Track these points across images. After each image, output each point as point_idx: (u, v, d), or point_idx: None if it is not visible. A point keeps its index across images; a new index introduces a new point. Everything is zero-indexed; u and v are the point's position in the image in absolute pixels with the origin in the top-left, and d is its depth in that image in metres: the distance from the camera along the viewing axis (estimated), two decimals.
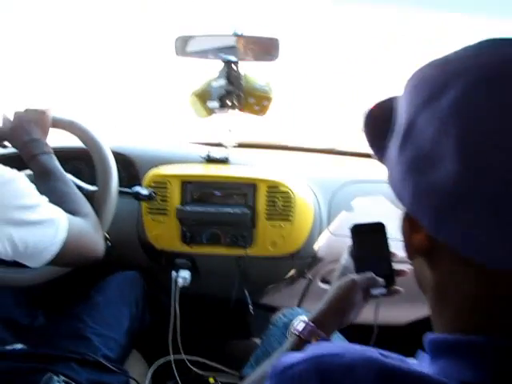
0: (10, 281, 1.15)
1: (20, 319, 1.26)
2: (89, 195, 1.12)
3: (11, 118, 1.10)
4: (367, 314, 0.88)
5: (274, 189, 1.37)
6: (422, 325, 1.36)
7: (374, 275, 0.87)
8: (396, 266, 0.90)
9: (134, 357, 1.36)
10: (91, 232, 0.92)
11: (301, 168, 1.55)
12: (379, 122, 0.51)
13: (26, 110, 1.08)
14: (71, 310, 1.26)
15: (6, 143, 1.19)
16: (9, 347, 1.14)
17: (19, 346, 1.16)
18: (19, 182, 0.75)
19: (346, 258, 0.93)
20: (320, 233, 1.42)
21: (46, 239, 0.79)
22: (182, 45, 1.42)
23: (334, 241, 1.40)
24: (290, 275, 1.46)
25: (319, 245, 1.42)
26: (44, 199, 0.81)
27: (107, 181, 1.13)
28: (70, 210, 0.89)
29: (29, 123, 1.04)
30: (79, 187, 1.17)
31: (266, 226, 1.38)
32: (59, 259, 0.82)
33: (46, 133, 1.07)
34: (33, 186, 0.79)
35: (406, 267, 0.87)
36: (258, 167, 1.46)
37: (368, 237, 0.91)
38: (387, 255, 0.91)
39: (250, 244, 1.39)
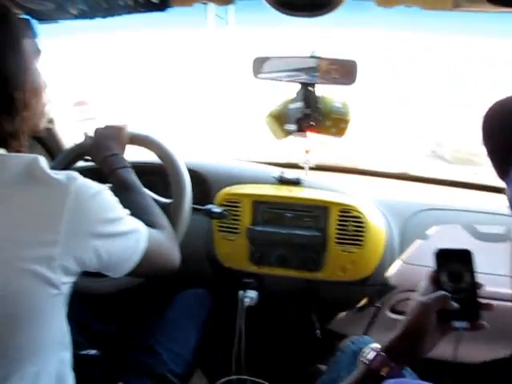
0: (88, 289, 1.19)
1: (95, 326, 1.30)
2: (163, 208, 1.15)
3: (92, 135, 1.14)
4: (442, 349, 0.83)
5: (345, 213, 1.37)
6: (498, 365, 1.31)
7: (446, 294, 0.80)
8: (482, 300, 0.86)
9: (197, 374, 1.37)
10: (168, 244, 0.93)
11: (374, 193, 1.53)
12: (505, 132, 0.47)
13: (106, 127, 1.13)
14: (143, 323, 1.29)
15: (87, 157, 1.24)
16: (83, 352, 1.17)
17: (93, 351, 1.19)
18: (105, 195, 0.78)
19: (424, 286, 0.88)
20: (392, 260, 1.40)
21: (129, 250, 0.82)
22: (260, 66, 1.44)
23: (406, 270, 1.38)
24: (359, 302, 1.44)
25: (390, 273, 1.40)
26: (126, 211, 0.84)
27: (182, 194, 1.15)
28: (148, 222, 0.91)
29: (108, 139, 1.09)
30: (155, 200, 1.20)
31: (336, 250, 1.37)
32: (138, 269, 0.85)
33: (123, 148, 1.12)
34: (116, 199, 0.82)
35: (493, 302, 0.83)
36: (331, 190, 1.46)
37: (453, 264, 0.86)
38: (473, 286, 0.84)
39: (320, 268, 1.39)
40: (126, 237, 0.79)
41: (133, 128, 1.21)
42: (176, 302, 1.35)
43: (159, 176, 1.38)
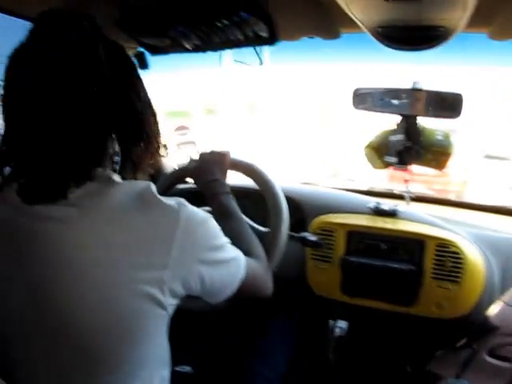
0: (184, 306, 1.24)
1: (191, 344, 1.36)
2: (259, 236, 1.18)
3: (197, 158, 1.17)
4: None
5: (443, 248, 1.34)
6: None
7: None
8: None
9: None
10: (262, 273, 0.95)
11: (473, 228, 1.49)
12: None
13: (211, 152, 1.17)
14: (235, 345, 1.33)
15: (188, 179, 1.30)
16: (178, 368, 1.23)
17: (187, 368, 1.25)
18: (211, 222, 0.80)
19: None
20: (491, 300, 1.34)
21: (229, 278, 0.81)
22: (360, 97, 1.46)
23: (509, 312, 1.33)
24: (454, 342, 1.40)
25: (490, 313, 1.35)
26: (227, 239, 0.86)
27: (279, 224, 1.16)
28: (245, 250, 0.94)
29: (212, 164, 1.12)
30: (251, 227, 1.24)
31: (432, 285, 1.35)
32: (233, 297, 0.87)
33: (225, 174, 1.14)
34: (218, 227, 0.84)
35: None
36: (428, 223, 1.44)
37: None
38: None
39: (414, 302, 1.37)
40: (227, 264, 0.82)
41: (235, 155, 1.26)
42: (269, 329, 1.39)
43: (255, 201, 1.43)
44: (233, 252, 0.85)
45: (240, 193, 1.42)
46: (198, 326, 1.42)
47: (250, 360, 1.30)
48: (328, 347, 1.34)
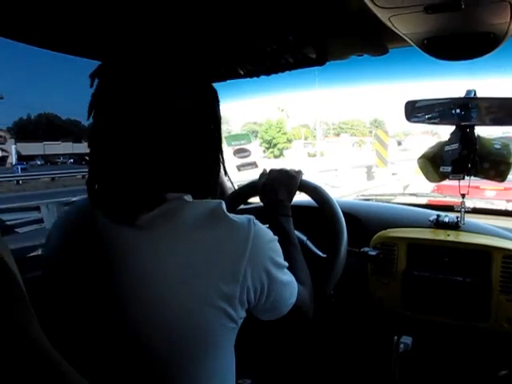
0: None
1: (253, 357, 1.39)
2: (317, 260, 1.21)
3: (266, 174, 1.19)
4: None
5: (510, 259, 1.31)
6: None
7: None
8: None
9: None
10: (307, 302, 0.94)
11: None
12: None
13: (280, 170, 1.18)
14: (297, 362, 1.35)
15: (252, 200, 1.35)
16: (240, 381, 1.26)
17: (248, 381, 1.28)
18: (278, 243, 0.80)
19: None
20: None
21: (282, 301, 0.82)
22: (412, 110, 1.47)
23: None
24: None
25: None
26: (287, 264, 0.84)
27: (338, 249, 1.17)
28: (297, 276, 0.89)
29: (279, 183, 1.13)
30: (312, 251, 1.27)
31: (500, 299, 1.31)
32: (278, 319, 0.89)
33: (291, 195, 1.14)
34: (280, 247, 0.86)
35: None
36: (492, 235, 1.41)
37: None
38: None
39: (481, 317, 1.34)
40: (284, 287, 0.84)
41: (304, 176, 1.27)
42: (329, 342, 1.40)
43: (314, 218, 1.46)
44: (290, 276, 0.87)
45: (303, 210, 1.47)
46: (260, 338, 1.46)
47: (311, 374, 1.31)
48: (392, 363, 1.32)
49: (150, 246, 0.71)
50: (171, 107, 0.73)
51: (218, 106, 0.84)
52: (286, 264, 0.85)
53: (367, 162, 12.97)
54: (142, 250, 0.71)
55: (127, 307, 0.71)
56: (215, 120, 0.82)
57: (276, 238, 0.82)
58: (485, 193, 4.32)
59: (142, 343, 0.70)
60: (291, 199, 1.16)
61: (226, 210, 0.74)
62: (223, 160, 0.86)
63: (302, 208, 1.47)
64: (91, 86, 0.73)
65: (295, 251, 1.02)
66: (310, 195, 1.28)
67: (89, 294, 0.75)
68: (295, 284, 0.87)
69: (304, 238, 1.30)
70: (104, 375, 0.74)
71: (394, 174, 11.61)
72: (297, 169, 1.25)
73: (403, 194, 2.27)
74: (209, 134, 0.80)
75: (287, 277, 0.85)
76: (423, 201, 1.90)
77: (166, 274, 0.69)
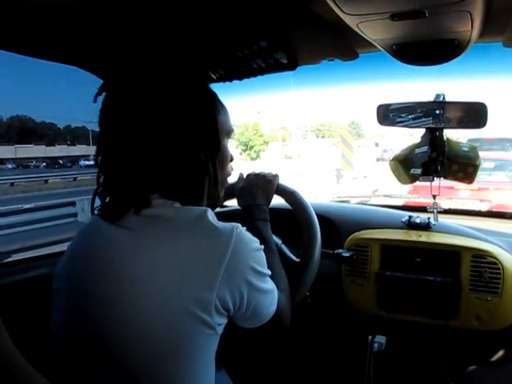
0: None
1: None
2: (291, 265, 1.22)
3: (245, 179, 1.19)
4: None
5: (479, 258, 1.35)
6: None
7: None
8: None
9: None
10: (286, 310, 0.95)
11: (509, 236, 1.49)
12: None
13: (257, 175, 1.19)
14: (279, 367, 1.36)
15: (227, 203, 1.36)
16: None
17: None
18: (262, 252, 0.82)
19: None
20: None
21: (263, 309, 0.83)
22: (384, 113, 1.51)
23: None
24: (494, 355, 1.39)
25: None
26: (269, 272, 0.84)
27: (311, 254, 1.18)
28: (275, 283, 0.90)
29: (257, 188, 1.14)
30: (285, 256, 1.28)
31: (470, 297, 1.35)
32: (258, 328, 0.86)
33: (268, 199, 1.16)
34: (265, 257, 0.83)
35: None
36: (462, 235, 1.46)
37: None
38: None
39: (452, 316, 1.38)
40: (265, 295, 0.85)
41: (281, 181, 1.27)
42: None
43: (286, 220, 1.47)
44: (271, 285, 0.88)
45: (278, 213, 1.48)
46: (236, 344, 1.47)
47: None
48: (367, 362, 1.35)
49: (131, 246, 0.75)
50: (169, 111, 0.77)
51: (215, 109, 0.86)
52: (269, 272, 0.86)
53: (337, 165, 13.01)
54: (122, 250, 0.75)
55: (103, 304, 0.74)
56: (210, 125, 0.82)
57: (262, 247, 0.84)
58: (459, 193, 4.42)
59: (114, 341, 0.72)
60: (269, 203, 1.17)
61: (211, 217, 0.76)
62: (215, 169, 0.86)
63: (276, 211, 1.49)
64: (95, 101, 0.80)
65: (273, 257, 1.03)
66: (285, 199, 1.30)
67: (72, 291, 0.80)
68: (276, 292, 0.88)
69: (279, 241, 1.31)
70: (73, 375, 0.77)
71: (365, 176, 11.72)
72: (274, 173, 1.26)
73: (378, 196, 2.32)
74: (200, 139, 0.81)
75: (268, 285, 0.86)
76: (398, 202, 1.94)
77: (141, 274, 0.72)
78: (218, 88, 1.56)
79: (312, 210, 1.25)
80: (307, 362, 1.62)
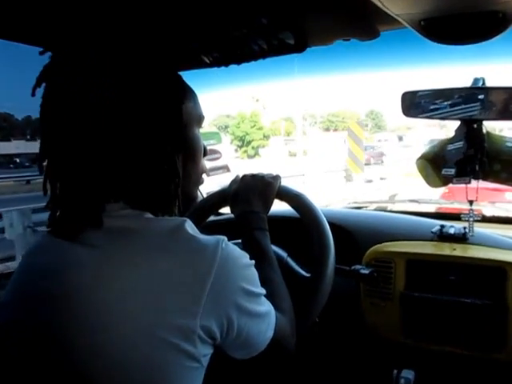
0: None
1: None
2: (299, 280, 1.20)
3: (238, 181, 1.20)
4: None
5: None
6: None
7: None
8: None
9: None
10: (288, 333, 0.94)
11: None
12: None
13: (254, 176, 1.19)
14: None
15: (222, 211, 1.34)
16: None
17: None
18: (253, 269, 0.80)
19: None
20: None
21: (258, 336, 0.82)
22: (410, 102, 1.48)
23: None
24: None
25: None
26: (263, 291, 0.84)
27: (324, 268, 1.17)
28: (273, 301, 0.89)
29: (253, 192, 1.15)
30: (293, 270, 1.26)
31: None
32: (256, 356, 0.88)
33: (267, 206, 1.16)
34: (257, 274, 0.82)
35: None
36: (506, 248, 1.43)
37: None
38: None
39: (496, 347, 1.35)
40: (259, 319, 0.83)
41: (284, 183, 1.27)
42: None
43: (295, 230, 1.45)
44: (267, 306, 0.86)
45: (282, 221, 1.46)
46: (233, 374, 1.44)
47: None
48: None
49: (95, 268, 0.72)
50: (125, 99, 0.74)
51: (183, 99, 0.84)
52: (263, 292, 0.85)
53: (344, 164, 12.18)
54: (85, 273, 0.72)
55: (66, 334, 0.72)
56: (177, 118, 0.81)
57: (252, 262, 0.82)
58: (505, 195, 4.33)
59: (81, 374, 0.72)
60: (268, 210, 1.18)
61: (190, 229, 0.76)
62: (185, 165, 0.87)
63: (281, 219, 1.47)
64: (33, 94, 0.76)
65: (272, 272, 1.03)
66: (290, 204, 1.28)
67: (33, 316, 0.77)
68: (273, 314, 0.87)
69: (284, 254, 1.29)
70: None
71: (382, 178, 11.28)
72: (274, 174, 1.25)
73: (402, 201, 2.29)
74: (163, 131, 0.79)
75: (264, 307, 0.84)
76: (427, 209, 1.91)
77: (108, 300, 0.70)
78: (207, 74, 1.55)
79: (322, 215, 1.24)
80: None
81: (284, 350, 0.94)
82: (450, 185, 1.49)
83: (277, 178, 1.22)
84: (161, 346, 0.68)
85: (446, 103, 1.45)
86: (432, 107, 1.47)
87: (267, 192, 1.17)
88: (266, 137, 34.52)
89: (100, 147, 0.73)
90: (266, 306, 0.84)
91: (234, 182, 1.22)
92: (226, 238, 0.77)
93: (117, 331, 0.70)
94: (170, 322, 0.69)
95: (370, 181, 11.05)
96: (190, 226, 0.75)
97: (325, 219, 1.24)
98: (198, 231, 0.76)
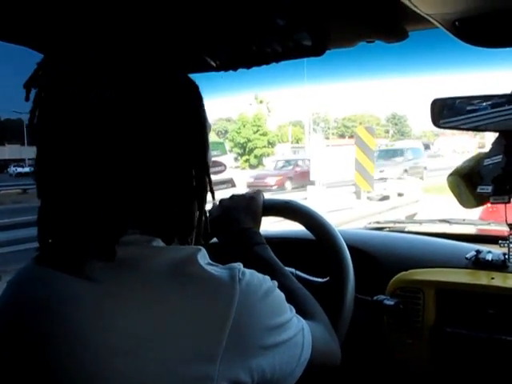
0: None
1: None
2: (318, 291, 1.23)
3: (218, 206, 1.23)
4: None
5: None
6: None
7: None
8: None
9: None
10: (327, 336, 0.98)
11: None
12: None
13: (232, 197, 1.24)
14: None
15: None
16: None
17: None
18: (276, 293, 0.81)
19: None
20: None
21: (293, 360, 0.82)
22: (442, 110, 1.51)
23: None
24: None
25: None
26: (292, 309, 0.85)
27: (342, 270, 1.20)
28: (300, 311, 0.90)
29: (237, 210, 1.19)
30: (305, 280, 1.29)
31: None
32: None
33: (257, 221, 1.21)
34: (283, 296, 0.84)
35: None
36: None
37: None
38: None
39: None
40: (291, 343, 0.84)
41: (267, 196, 1.32)
42: None
43: (300, 253, 1.48)
44: (296, 323, 0.87)
45: (282, 244, 1.49)
46: None
47: None
48: None
49: (97, 305, 0.72)
50: (134, 112, 0.74)
51: (201, 105, 0.86)
52: (292, 313, 0.86)
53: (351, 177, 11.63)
54: (87, 312, 0.72)
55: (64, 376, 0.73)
56: (198, 126, 0.84)
57: (275, 284, 0.84)
58: None
59: None
60: (259, 225, 1.22)
61: (202, 261, 0.75)
62: (210, 182, 0.88)
63: (277, 241, 1.50)
64: (27, 99, 0.75)
65: (289, 280, 1.06)
66: (283, 215, 1.32)
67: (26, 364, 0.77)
68: (305, 328, 0.88)
69: (292, 269, 1.32)
70: None
71: (400, 194, 10.69)
72: (254, 190, 1.31)
73: (431, 221, 2.31)
74: (186, 149, 0.81)
75: (293, 329, 0.85)
76: (459, 230, 1.94)
77: (111, 348, 0.70)
78: (209, 77, 1.58)
79: (321, 214, 1.27)
80: None
81: (327, 358, 0.98)
82: (489, 204, 1.52)
83: (258, 192, 1.27)
84: None
85: (482, 112, 1.47)
86: (466, 117, 1.49)
87: (252, 207, 1.21)
88: (272, 144, 34.34)
89: (109, 157, 0.72)
90: (295, 326, 0.85)
91: (213, 210, 1.24)
92: (241, 266, 0.78)
93: (125, 380, 0.69)
94: (184, 369, 0.69)
95: (386, 197, 10.57)
96: (202, 257, 0.76)
97: (324, 217, 1.28)
98: (209, 261, 0.77)
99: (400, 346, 1.49)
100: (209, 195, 0.91)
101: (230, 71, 1.46)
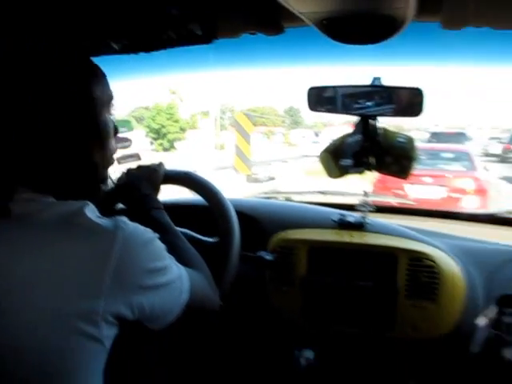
0: None
1: None
2: (208, 250, 1.27)
3: (125, 175, 1.26)
4: None
5: (416, 261, 1.45)
6: None
7: None
8: None
9: None
10: (206, 285, 1.01)
11: (452, 238, 1.61)
12: None
13: (138, 167, 1.27)
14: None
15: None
16: None
17: None
18: (155, 243, 0.83)
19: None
20: (474, 318, 1.39)
21: (172, 301, 0.86)
22: (316, 97, 1.58)
23: None
24: (436, 363, 1.50)
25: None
26: (171, 257, 0.87)
27: (229, 230, 1.24)
28: (186, 263, 0.94)
29: (139, 180, 1.21)
30: (198, 240, 1.34)
31: (405, 305, 1.45)
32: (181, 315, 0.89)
33: (157, 189, 1.24)
34: (163, 246, 0.86)
35: None
36: (399, 235, 1.56)
37: None
38: None
39: (387, 325, 1.48)
40: (169, 287, 0.87)
41: (169, 166, 1.34)
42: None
43: (196, 217, 1.51)
44: (176, 271, 0.91)
45: (181, 209, 1.51)
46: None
47: None
48: (293, 379, 1.42)
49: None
50: (27, 79, 0.75)
51: (94, 82, 0.85)
52: (171, 260, 0.89)
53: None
54: None
55: None
56: (87, 101, 0.82)
57: (156, 235, 0.87)
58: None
59: None
60: (157, 192, 1.25)
61: (89, 213, 0.76)
62: (95, 148, 0.88)
63: (176, 206, 1.52)
64: None
65: (179, 239, 1.09)
66: (181, 184, 1.36)
67: None
68: (185, 276, 0.91)
69: (186, 230, 1.35)
70: None
71: (271, 178, 10.18)
72: (157, 162, 1.33)
73: (311, 192, 2.38)
74: (72, 115, 0.80)
75: (172, 274, 0.88)
76: (332, 200, 2.02)
77: (7, 287, 0.72)
78: (122, 63, 1.56)
79: (212, 183, 1.32)
80: (227, 377, 1.65)
81: (208, 303, 1.02)
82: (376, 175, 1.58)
83: (160, 164, 1.29)
84: (61, 330, 0.70)
85: (346, 99, 1.55)
86: (334, 103, 1.56)
87: (153, 177, 1.24)
88: (183, 129, 34.10)
89: (5, 130, 0.75)
90: (174, 272, 0.87)
91: (120, 178, 1.27)
92: (125, 218, 0.80)
93: (16, 316, 0.71)
94: (70, 305, 0.70)
95: (256, 180, 9.81)
96: (90, 210, 0.77)
97: (217, 187, 1.32)
98: (99, 214, 0.78)
99: (276, 294, 1.56)
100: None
101: (140, 54, 1.45)
